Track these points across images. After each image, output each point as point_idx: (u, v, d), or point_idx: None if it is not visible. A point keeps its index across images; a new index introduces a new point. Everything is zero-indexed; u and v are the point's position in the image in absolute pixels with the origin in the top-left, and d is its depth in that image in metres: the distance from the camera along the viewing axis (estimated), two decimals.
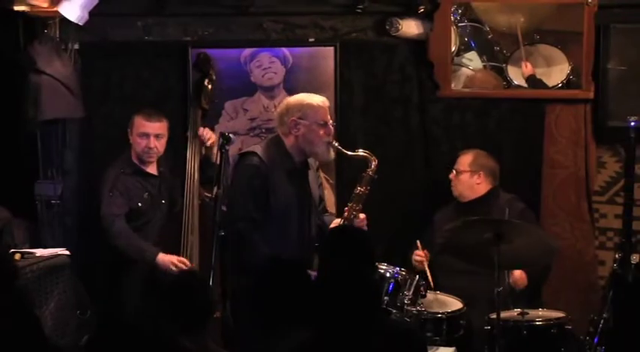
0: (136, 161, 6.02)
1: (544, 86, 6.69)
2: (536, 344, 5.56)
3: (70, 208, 6.48)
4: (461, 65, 6.80)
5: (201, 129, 6.01)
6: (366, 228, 5.56)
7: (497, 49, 6.81)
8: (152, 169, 6.05)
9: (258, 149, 5.58)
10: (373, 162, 5.61)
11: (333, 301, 3.89)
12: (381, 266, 5.40)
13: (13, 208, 5.98)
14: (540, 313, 5.73)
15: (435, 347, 5.40)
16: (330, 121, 5.59)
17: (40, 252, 5.74)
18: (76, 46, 6.43)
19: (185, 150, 6.00)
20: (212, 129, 6.20)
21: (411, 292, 5.40)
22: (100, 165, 6.19)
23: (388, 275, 5.39)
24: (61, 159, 6.45)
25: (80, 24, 6.09)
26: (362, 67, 6.70)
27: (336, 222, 5.65)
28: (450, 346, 5.50)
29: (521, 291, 6.02)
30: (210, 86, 6.11)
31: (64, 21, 6.13)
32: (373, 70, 6.70)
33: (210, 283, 5.04)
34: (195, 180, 5.95)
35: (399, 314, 5.34)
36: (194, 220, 5.91)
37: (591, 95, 6.56)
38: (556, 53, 6.71)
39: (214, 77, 6.15)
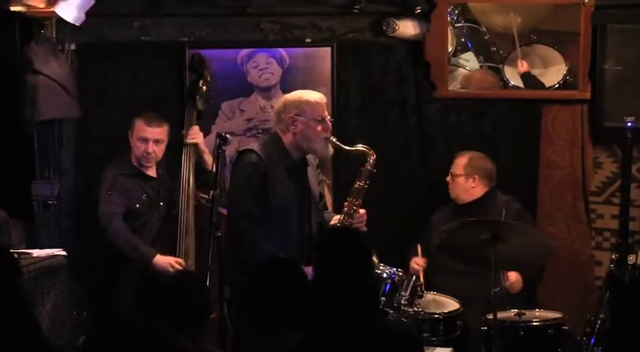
0: (135, 164, 6.03)
1: (539, 83, 6.70)
2: (533, 345, 5.55)
3: (66, 208, 6.48)
4: (457, 65, 6.81)
5: (192, 127, 6.03)
6: (365, 223, 5.57)
7: (493, 50, 6.82)
8: (152, 172, 6.07)
9: (256, 146, 5.58)
10: (372, 157, 5.59)
11: (330, 301, 3.89)
12: (378, 267, 5.40)
13: (10, 208, 5.97)
14: (537, 313, 5.73)
15: (431, 348, 5.40)
16: (328, 117, 5.59)
17: (36, 252, 5.74)
18: (73, 47, 6.43)
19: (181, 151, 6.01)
20: (208, 131, 6.20)
21: (407, 292, 5.40)
22: (97, 165, 6.19)
23: (385, 275, 5.39)
24: (57, 160, 6.45)
25: (77, 24, 6.09)
26: (359, 67, 6.70)
27: (337, 218, 5.65)
28: (447, 346, 5.49)
29: (516, 294, 6.02)
30: (204, 87, 6.11)
31: (61, 21, 6.12)
32: (370, 70, 6.70)
33: (207, 284, 5.04)
34: (191, 182, 5.95)
35: (395, 315, 5.34)
36: (190, 222, 5.92)
37: (588, 95, 6.57)
38: (553, 53, 6.72)
39: (209, 78, 6.15)
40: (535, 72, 6.70)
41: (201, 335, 4.31)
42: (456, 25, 6.74)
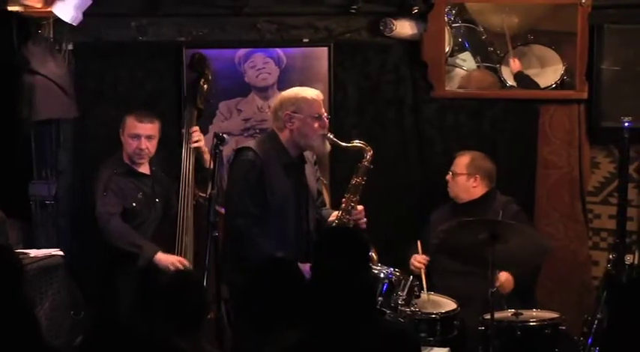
0: (127, 161, 6.01)
1: (533, 83, 6.70)
2: (530, 345, 5.55)
3: (64, 209, 6.47)
4: (455, 66, 6.81)
5: (194, 128, 6.01)
6: (364, 219, 5.57)
7: (491, 50, 6.82)
8: (144, 169, 6.05)
9: (253, 144, 5.59)
10: (369, 153, 5.59)
11: (327, 301, 3.89)
12: (375, 267, 5.40)
13: (7, 208, 5.95)
14: (534, 313, 5.73)
15: (428, 348, 5.39)
16: (325, 114, 5.58)
17: (34, 252, 5.73)
18: (70, 47, 6.42)
19: (180, 150, 6.00)
20: (206, 130, 6.20)
21: (404, 293, 5.40)
22: (94, 165, 6.17)
23: (382, 275, 5.38)
24: (55, 160, 6.44)
25: (74, 24, 6.08)
26: (356, 67, 6.70)
27: (335, 214, 5.65)
28: (444, 346, 5.50)
29: (509, 294, 6.01)
30: (206, 86, 6.10)
31: (58, 21, 6.11)
32: (367, 70, 6.70)
33: (205, 284, 5.04)
34: (190, 181, 5.93)
35: (392, 315, 5.33)
36: (188, 221, 5.91)
37: (585, 95, 6.58)
38: (550, 53, 6.72)
39: (210, 77, 6.15)
40: (532, 72, 6.70)
41: (199, 335, 4.31)
42: (454, 25, 6.74)
